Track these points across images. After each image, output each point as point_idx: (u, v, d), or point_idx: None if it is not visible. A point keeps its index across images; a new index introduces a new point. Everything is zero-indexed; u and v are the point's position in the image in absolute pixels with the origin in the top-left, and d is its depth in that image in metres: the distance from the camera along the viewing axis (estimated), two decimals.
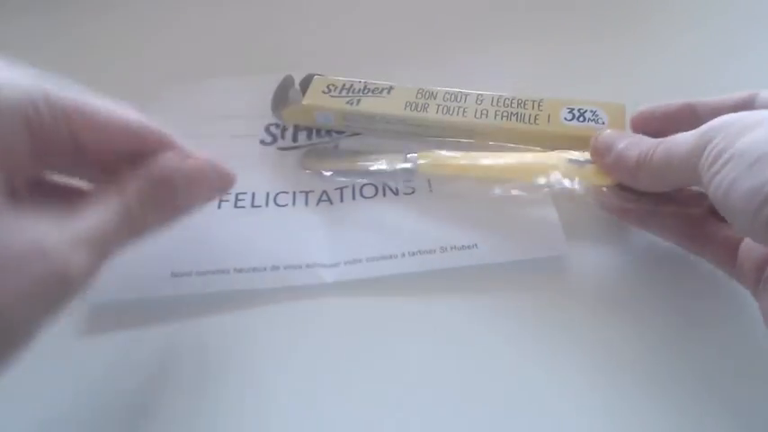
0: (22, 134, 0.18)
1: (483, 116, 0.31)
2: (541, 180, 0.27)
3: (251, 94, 0.34)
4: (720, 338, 0.25)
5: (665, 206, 0.26)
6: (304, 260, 0.27)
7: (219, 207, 0.29)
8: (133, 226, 0.20)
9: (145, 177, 0.20)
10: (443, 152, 0.29)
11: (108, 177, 0.21)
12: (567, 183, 0.27)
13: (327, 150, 0.32)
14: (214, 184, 0.23)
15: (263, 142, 0.33)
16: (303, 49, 0.38)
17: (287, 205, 0.29)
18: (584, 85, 0.32)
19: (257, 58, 0.37)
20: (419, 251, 0.27)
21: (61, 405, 0.23)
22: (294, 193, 0.30)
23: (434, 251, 0.27)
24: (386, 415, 0.23)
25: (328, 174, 0.30)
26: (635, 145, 0.25)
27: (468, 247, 0.27)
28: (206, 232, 0.28)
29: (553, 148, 0.30)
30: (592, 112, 0.30)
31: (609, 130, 0.27)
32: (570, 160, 0.27)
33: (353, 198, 0.30)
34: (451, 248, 0.27)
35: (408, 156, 0.30)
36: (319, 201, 0.30)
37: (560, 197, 0.28)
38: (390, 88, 0.32)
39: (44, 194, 0.22)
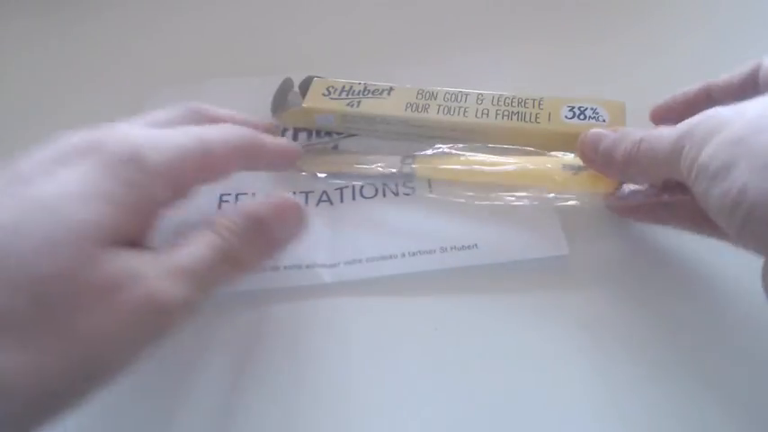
0: (167, 191, 0.20)
1: (484, 116, 0.31)
2: (539, 194, 0.27)
3: (250, 96, 0.34)
4: (722, 337, 0.25)
5: (670, 196, 0.25)
6: (304, 260, 0.27)
7: (220, 207, 0.29)
8: (231, 260, 0.20)
9: (236, 213, 0.21)
10: (441, 157, 0.30)
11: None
12: (563, 199, 0.27)
13: (324, 151, 0.32)
14: (298, 216, 0.23)
15: None
16: (302, 50, 0.38)
17: None
18: (584, 84, 0.32)
19: (256, 59, 0.37)
20: (419, 251, 0.27)
21: None
22: (294, 193, 0.30)
23: (434, 251, 0.27)
24: (385, 415, 0.23)
25: (323, 176, 0.30)
26: (619, 141, 0.25)
27: (468, 247, 0.27)
28: None
29: (553, 148, 0.30)
30: (592, 109, 0.30)
31: (592, 130, 0.26)
32: (565, 166, 0.28)
33: (353, 198, 0.30)
34: (451, 248, 0.27)
35: (406, 160, 0.30)
36: (319, 201, 0.30)
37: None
38: (390, 89, 0.32)
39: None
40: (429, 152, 0.30)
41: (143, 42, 0.41)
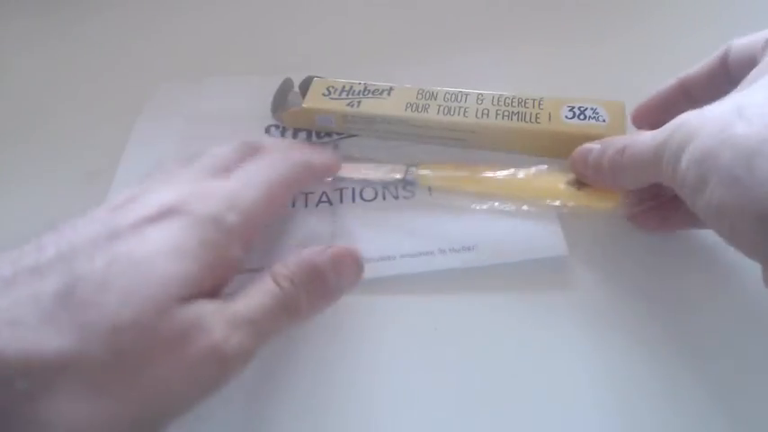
0: (242, 249, 0.21)
1: (484, 116, 0.31)
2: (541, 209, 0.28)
3: (251, 96, 0.34)
4: (722, 337, 0.25)
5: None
6: None
7: None
8: (289, 310, 0.21)
9: (294, 263, 0.22)
10: (444, 167, 0.30)
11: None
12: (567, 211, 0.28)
13: None
14: (355, 265, 0.24)
15: None
16: (302, 50, 0.38)
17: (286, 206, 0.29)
18: (583, 84, 0.32)
19: (256, 59, 0.37)
20: (418, 253, 0.27)
21: None
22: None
23: (433, 252, 0.27)
24: (384, 415, 0.23)
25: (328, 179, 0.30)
26: (603, 151, 0.25)
27: (467, 248, 0.27)
28: None
29: (553, 148, 0.30)
30: (592, 110, 0.30)
31: (579, 147, 0.27)
32: (568, 182, 0.28)
33: (353, 200, 0.30)
34: (450, 250, 0.27)
35: (409, 169, 0.30)
36: (319, 202, 0.30)
37: None
38: (390, 89, 0.32)
39: None
40: (431, 162, 0.30)
41: (143, 42, 0.41)
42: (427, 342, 0.25)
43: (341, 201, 0.30)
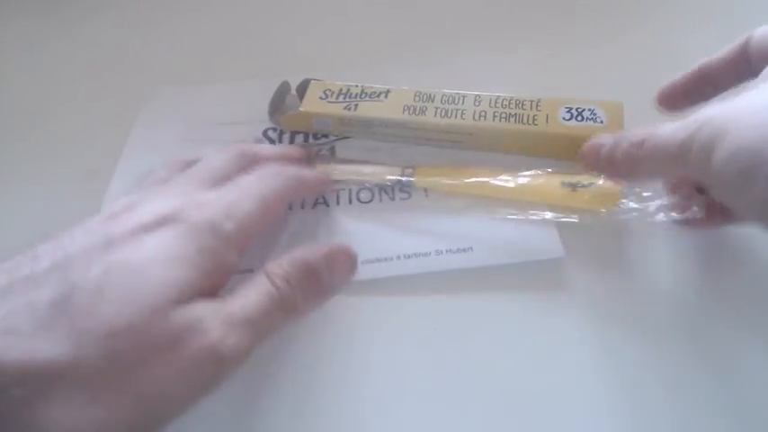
0: (238, 255, 0.21)
1: (482, 118, 0.31)
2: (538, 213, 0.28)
3: (248, 99, 0.34)
4: (721, 337, 0.25)
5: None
6: None
7: None
8: (284, 308, 0.21)
9: (288, 262, 0.22)
10: (441, 169, 0.30)
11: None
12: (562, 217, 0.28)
13: (323, 157, 0.32)
14: (349, 262, 0.24)
15: None
16: (299, 53, 0.38)
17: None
18: (581, 85, 0.32)
19: (254, 61, 0.37)
20: (414, 254, 0.27)
21: None
22: None
23: (429, 254, 0.27)
24: (384, 415, 0.23)
25: None
26: (618, 145, 0.24)
27: (464, 250, 0.27)
28: None
29: (552, 149, 0.30)
30: (590, 110, 0.30)
31: (590, 141, 0.26)
32: (564, 183, 0.28)
33: (350, 202, 0.30)
34: (447, 251, 0.27)
35: (405, 171, 0.30)
36: (315, 203, 0.30)
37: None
38: (388, 92, 0.32)
39: None
40: (428, 165, 0.30)
41: (142, 43, 0.41)
42: (427, 342, 0.25)
43: (337, 202, 0.30)
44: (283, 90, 0.33)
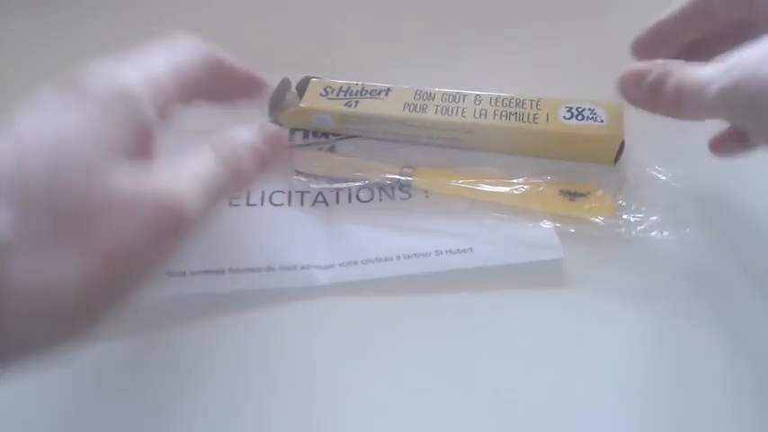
0: (152, 110, 0.20)
1: (482, 116, 0.31)
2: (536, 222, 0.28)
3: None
4: (721, 337, 0.25)
5: None
6: (299, 261, 0.27)
7: None
8: (232, 172, 0.21)
9: (227, 136, 0.22)
10: (440, 169, 0.30)
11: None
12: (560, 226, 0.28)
13: (322, 155, 0.32)
14: (278, 137, 0.24)
15: None
16: (299, 50, 0.38)
17: (282, 205, 0.29)
18: (581, 85, 0.32)
19: (254, 58, 0.37)
20: (414, 254, 0.27)
21: (59, 409, 0.23)
22: (290, 192, 0.30)
23: (429, 254, 0.27)
24: (382, 416, 0.23)
25: (321, 179, 0.30)
26: (665, 75, 0.23)
27: (464, 250, 0.27)
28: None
29: (551, 149, 0.30)
30: (590, 110, 0.30)
31: (631, 68, 0.25)
32: (562, 192, 0.28)
33: (349, 201, 0.30)
34: (447, 252, 0.27)
35: (404, 170, 0.30)
36: (315, 201, 0.30)
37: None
38: (388, 90, 0.32)
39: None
40: (427, 165, 0.30)
41: (141, 41, 0.41)
42: (427, 342, 0.25)
43: (337, 201, 0.30)
44: (284, 87, 0.33)
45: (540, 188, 0.29)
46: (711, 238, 0.27)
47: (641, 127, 0.28)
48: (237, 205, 0.29)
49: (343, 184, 0.30)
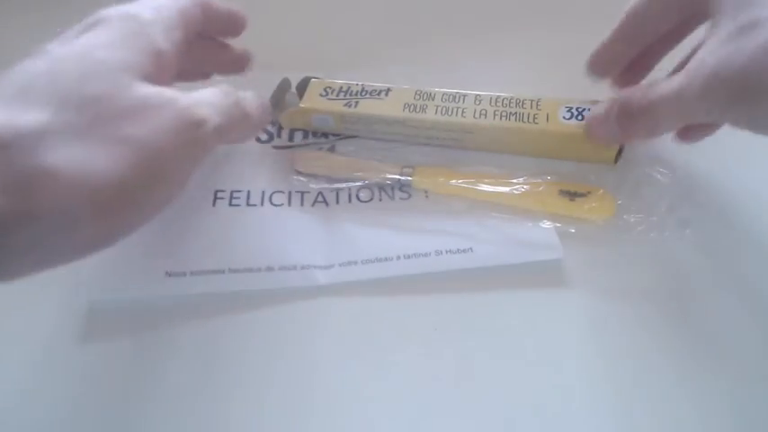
0: (167, 40, 0.22)
1: (482, 116, 0.31)
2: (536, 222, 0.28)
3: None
4: (720, 337, 0.25)
5: None
6: (298, 261, 0.27)
7: (214, 205, 0.29)
8: (240, 105, 0.24)
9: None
10: (440, 169, 0.30)
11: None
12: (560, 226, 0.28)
13: (322, 155, 0.32)
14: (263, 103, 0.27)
15: (259, 140, 0.33)
16: (299, 50, 0.38)
17: (282, 205, 0.29)
18: (581, 85, 0.32)
19: (254, 58, 0.37)
20: (414, 254, 0.27)
21: (59, 409, 0.23)
22: (290, 192, 0.30)
23: (429, 254, 0.27)
24: (382, 416, 0.23)
25: (321, 180, 0.30)
26: (627, 101, 0.25)
27: (464, 250, 0.27)
28: (201, 230, 0.28)
29: (551, 149, 0.31)
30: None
31: (589, 115, 0.28)
32: (561, 192, 0.28)
33: (349, 201, 0.30)
34: (447, 252, 0.27)
35: (404, 170, 0.30)
36: (315, 202, 0.30)
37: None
38: (388, 90, 0.32)
39: None
40: (427, 165, 0.30)
41: None
42: (427, 342, 0.25)
43: (337, 201, 0.30)
44: (284, 87, 0.33)
45: (540, 188, 0.29)
46: (711, 238, 0.28)
47: None
48: (238, 206, 0.29)
49: (343, 184, 0.30)
